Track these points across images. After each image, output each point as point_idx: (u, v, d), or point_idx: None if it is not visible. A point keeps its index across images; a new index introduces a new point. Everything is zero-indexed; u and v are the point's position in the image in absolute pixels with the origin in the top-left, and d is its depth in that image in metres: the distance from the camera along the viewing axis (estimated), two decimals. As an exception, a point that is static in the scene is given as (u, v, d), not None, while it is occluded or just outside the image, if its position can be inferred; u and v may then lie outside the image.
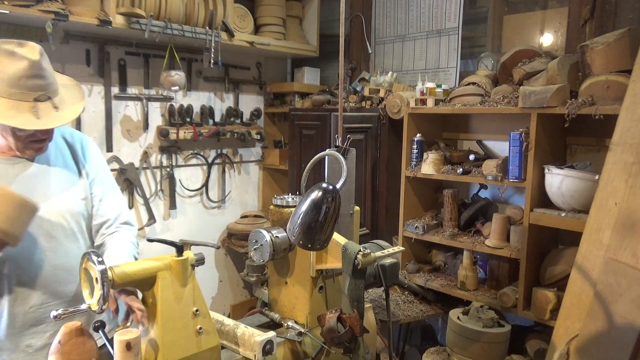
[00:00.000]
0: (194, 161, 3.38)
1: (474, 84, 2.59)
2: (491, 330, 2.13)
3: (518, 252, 2.28)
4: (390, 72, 3.11)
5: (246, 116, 3.58)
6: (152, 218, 3.09)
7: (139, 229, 3.04)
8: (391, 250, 1.34)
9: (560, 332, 1.89)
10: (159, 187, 3.19)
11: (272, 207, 1.48)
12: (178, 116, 3.14)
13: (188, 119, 3.19)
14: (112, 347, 1.03)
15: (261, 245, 1.36)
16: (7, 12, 2.21)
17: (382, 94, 2.97)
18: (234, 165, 3.64)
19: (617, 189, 1.80)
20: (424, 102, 2.65)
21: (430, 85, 2.67)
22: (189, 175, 3.37)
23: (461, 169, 2.52)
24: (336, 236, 1.30)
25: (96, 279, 1.04)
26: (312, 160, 1.37)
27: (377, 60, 3.40)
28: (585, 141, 2.37)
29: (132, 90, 3.00)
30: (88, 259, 1.07)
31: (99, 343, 1.22)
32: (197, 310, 1.16)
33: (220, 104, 3.48)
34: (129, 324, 1.18)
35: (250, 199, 3.79)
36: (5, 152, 1.49)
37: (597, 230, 1.83)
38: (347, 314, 1.19)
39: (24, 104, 1.36)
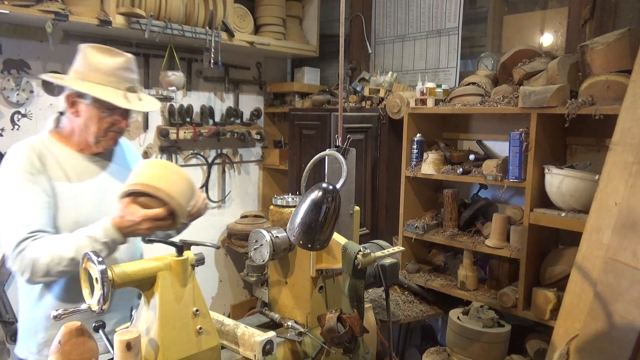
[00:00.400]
0: (194, 161, 3.38)
1: (474, 84, 2.59)
2: (491, 330, 2.13)
3: (518, 252, 2.28)
4: (390, 72, 3.11)
5: (246, 116, 3.59)
6: (152, 218, 3.09)
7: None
8: (391, 250, 1.33)
9: (560, 332, 1.89)
10: (159, 187, 3.18)
11: (272, 207, 1.48)
12: (178, 116, 3.14)
13: (188, 119, 3.19)
14: (112, 347, 1.03)
15: (261, 245, 1.36)
16: (7, 12, 2.21)
17: (382, 94, 2.97)
18: (234, 165, 3.64)
19: (617, 189, 1.80)
20: (424, 102, 2.65)
21: (430, 85, 2.67)
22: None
23: (461, 169, 2.52)
24: (336, 236, 1.30)
25: (96, 279, 1.04)
26: (312, 160, 1.37)
27: (377, 60, 3.40)
28: (585, 141, 2.37)
29: (132, 90, 3.00)
30: (88, 259, 1.07)
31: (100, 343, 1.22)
32: (197, 310, 1.16)
33: (220, 104, 3.48)
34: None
35: (250, 199, 3.79)
36: (84, 150, 1.66)
37: (597, 230, 1.83)
38: (347, 314, 1.19)
39: (117, 91, 1.59)
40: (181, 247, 1.17)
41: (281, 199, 1.46)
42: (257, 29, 3.39)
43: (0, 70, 2.50)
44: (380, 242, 1.46)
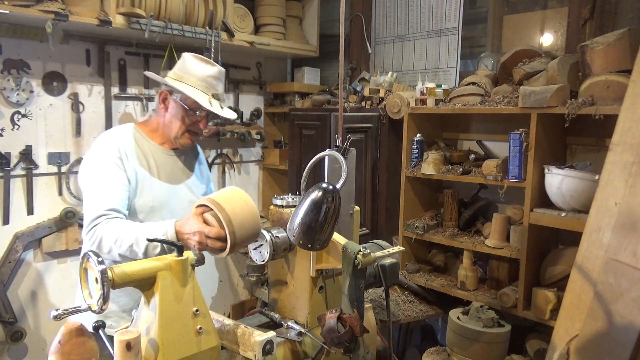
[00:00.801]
0: (194, 161, 3.38)
1: (474, 84, 2.59)
2: (491, 330, 2.13)
3: (518, 252, 2.28)
4: (390, 72, 3.11)
5: (246, 116, 3.58)
6: (152, 218, 3.09)
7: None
8: (391, 250, 1.33)
9: (560, 332, 1.89)
10: (159, 187, 3.19)
11: (272, 207, 1.48)
12: (178, 116, 3.14)
13: (188, 119, 3.19)
14: (112, 347, 1.03)
15: (261, 245, 1.36)
16: (7, 12, 2.21)
17: (382, 94, 2.97)
18: (234, 165, 3.64)
19: (617, 189, 1.80)
20: (424, 102, 2.65)
21: (430, 85, 2.67)
22: (189, 175, 3.36)
23: (461, 169, 2.52)
24: (336, 236, 1.30)
25: (96, 279, 1.04)
26: (312, 160, 1.36)
27: (377, 60, 3.40)
28: (585, 141, 2.37)
29: (132, 90, 3.00)
30: (88, 259, 1.07)
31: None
32: (197, 310, 1.16)
33: (220, 104, 3.48)
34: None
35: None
36: (165, 143, 1.90)
37: (597, 230, 1.83)
38: (347, 314, 1.19)
39: (204, 95, 1.80)
40: (181, 247, 1.17)
41: (281, 199, 1.46)
42: (257, 29, 3.39)
43: (0, 70, 2.50)
44: (380, 242, 1.46)
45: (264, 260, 1.36)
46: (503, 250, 2.34)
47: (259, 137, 3.58)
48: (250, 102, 3.67)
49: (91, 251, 1.06)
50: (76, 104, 2.76)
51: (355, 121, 2.84)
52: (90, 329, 1.20)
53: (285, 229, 1.31)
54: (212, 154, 3.48)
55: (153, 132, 1.90)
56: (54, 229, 2.68)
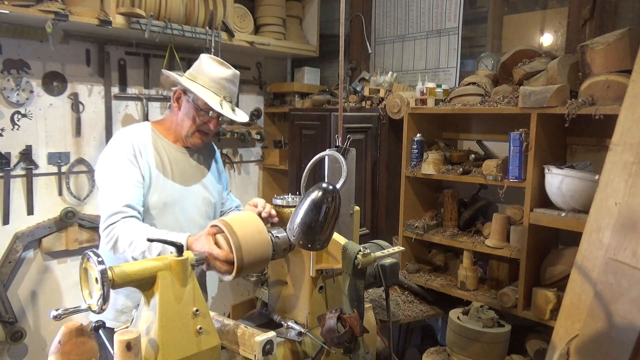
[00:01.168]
0: (194, 161, 3.38)
1: (474, 84, 2.59)
2: (491, 330, 2.13)
3: (518, 252, 2.28)
4: (390, 72, 3.11)
5: (246, 116, 3.58)
6: (152, 218, 3.09)
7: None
8: (391, 250, 1.34)
9: (560, 332, 1.89)
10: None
11: (272, 207, 1.48)
12: (178, 116, 3.14)
13: (188, 119, 3.19)
14: (112, 347, 1.03)
15: (261, 245, 1.36)
16: (7, 12, 2.21)
17: (382, 94, 2.97)
18: (234, 165, 3.64)
19: (617, 189, 1.80)
20: (424, 102, 2.65)
21: (430, 85, 2.67)
22: (189, 175, 3.36)
23: (461, 169, 2.52)
24: (336, 236, 1.30)
25: (96, 279, 1.04)
26: (312, 160, 1.37)
27: (377, 60, 3.40)
28: (585, 141, 2.37)
29: (132, 90, 3.00)
30: (88, 259, 1.07)
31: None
32: (197, 310, 1.16)
33: (220, 104, 3.48)
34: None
35: (250, 199, 3.78)
36: (177, 142, 1.92)
37: (597, 230, 1.83)
38: (347, 314, 1.19)
39: (216, 97, 1.83)
40: (181, 247, 1.17)
41: (281, 199, 1.46)
42: (257, 29, 3.39)
43: (0, 70, 2.50)
44: (380, 242, 1.46)
45: (264, 260, 1.35)
46: (503, 250, 2.34)
47: (259, 137, 3.58)
48: (250, 102, 3.67)
49: (91, 251, 1.06)
50: (76, 104, 2.76)
51: (355, 121, 2.84)
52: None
53: (285, 229, 1.31)
54: (212, 154, 3.48)
55: (167, 131, 1.92)
56: (54, 229, 2.69)
